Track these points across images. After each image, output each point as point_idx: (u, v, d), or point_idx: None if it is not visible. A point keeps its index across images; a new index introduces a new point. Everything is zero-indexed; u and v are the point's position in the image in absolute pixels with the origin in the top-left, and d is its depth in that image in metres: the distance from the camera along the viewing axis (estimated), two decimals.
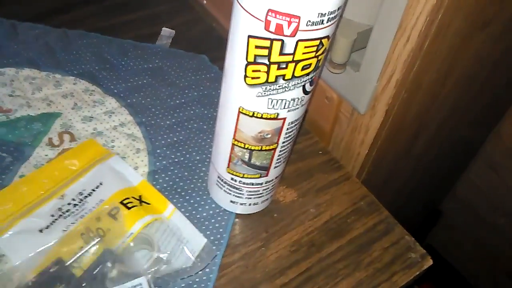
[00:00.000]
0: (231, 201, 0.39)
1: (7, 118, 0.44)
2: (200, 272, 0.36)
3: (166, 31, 0.57)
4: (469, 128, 0.65)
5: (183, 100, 0.49)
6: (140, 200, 0.38)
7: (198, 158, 0.44)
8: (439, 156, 0.65)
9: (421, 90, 0.44)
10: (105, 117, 0.45)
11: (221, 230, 0.39)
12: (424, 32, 0.37)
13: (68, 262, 0.33)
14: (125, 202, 0.37)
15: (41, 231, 0.35)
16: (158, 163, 0.43)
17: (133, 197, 0.38)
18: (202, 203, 0.40)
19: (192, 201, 0.40)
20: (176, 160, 0.43)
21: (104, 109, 0.46)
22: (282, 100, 0.30)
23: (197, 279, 0.35)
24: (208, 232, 0.38)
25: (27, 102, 0.45)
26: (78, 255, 0.33)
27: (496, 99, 0.64)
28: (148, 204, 0.38)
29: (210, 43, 0.57)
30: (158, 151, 0.44)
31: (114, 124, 0.45)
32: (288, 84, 0.29)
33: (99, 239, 0.34)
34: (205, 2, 0.63)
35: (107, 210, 0.37)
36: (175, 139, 0.45)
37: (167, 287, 0.34)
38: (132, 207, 0.37)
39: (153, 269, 0.34)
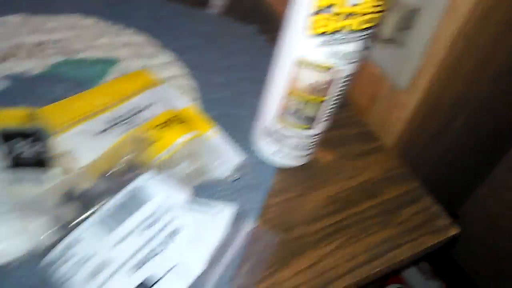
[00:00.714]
0: (275, 152, 0.42)
1: (71, 58, 0.47)
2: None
3: (218, 0, 0.60)
4: (498, 128, 0.67)
5: (232, 63, 0.52)
6: (186, 120, 0.42)
7: (244, 114, 0.47)
8: (466, 150, 0.67)
9: (460, 74, 0.46)
10: (162, 68, 0.48)
11: (264, 175, 0.42)
12: (469, 14, 0.39)
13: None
14: (173, 119, 0.41)
15: (98, 133, 0.39)
16: (208, 113, 0.46)
17: (179, 116, 0.42)
18: (248, 152, 0.43)
19: (239, 148, 0.43)
20: (225, 112, 0.46)
21: (161, 61, 0.49)
22: (342, 51, 0.33)
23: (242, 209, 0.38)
24: (252, 176, 0.41)
25: (90, 46, 0.49)
26: (128, 156, 0.37)
27: None
28: (193, 123, 0.42)
29: (258, 17, 0.60)
30: (209, 103, 0.47)
31: (169, 74, 0.48)
32: (349, 36, 0.32)
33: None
34: None
35: (156, 123, 0.40)
36: (224, 94, 0.48)
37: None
38: (180, 123, 0.41)
39: (193, 177, 0.37)
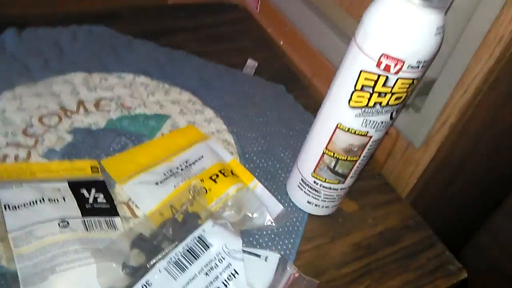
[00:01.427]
0: (308, 202, 0.48)
1: (128, 113, 0.54)
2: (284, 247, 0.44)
3: (251, 62, 0.68)
4: (497, 180, 0.74)
5: (265, 119, 0.59)
6: (232, 173, 0.48)
7: (278, 165, 0.53)
8: (468, 200, 0.73)
9: (467, 136, 0.53)
10: (205, 124, 0.55)
11: (297, 223, 0.48)
12: (478, 88, 0.46)
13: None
14: (221, 171, 0.47)
15: (156, 184, 0.45)
16: (247, 165, 0.52)
17: (226, 169, 0.48)
18: (282, 201, 0.49)
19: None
20: (261, 165, 0.53)
21: (204, 117, 0.56)
22: (374, 121, 0.40)
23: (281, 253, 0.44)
24: (287, 223, 0.47)
25: (143, 103, 0.55)
26: (186, 205, 0.42)
27: None
28: (238, 176, 0.48)
29: (287, 76, 0.68)
30: (246, 156, 0.53)
31: (212, 130, 0.55)
32: (382, 110, 0.39)
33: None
34: (281, 42, 0.74)
35: (208, 174, 0.47)
36: (259, 148, 0.55)
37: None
38: (227, 175, 0.47)
39: (239, 225, 0.43)
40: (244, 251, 0.39)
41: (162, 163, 0.48)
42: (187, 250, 0.37)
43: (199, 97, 0.59)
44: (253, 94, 0.62)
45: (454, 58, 0.47)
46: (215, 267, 0.36)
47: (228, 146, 0.53)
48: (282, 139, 0.57)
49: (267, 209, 0.45)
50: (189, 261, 0.36)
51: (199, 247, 0.37)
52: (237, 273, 0.36)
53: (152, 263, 0.36)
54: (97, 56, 0.60)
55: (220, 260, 0.37)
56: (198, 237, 0.37)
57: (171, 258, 0.36)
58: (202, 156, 0.49)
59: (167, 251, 0.38)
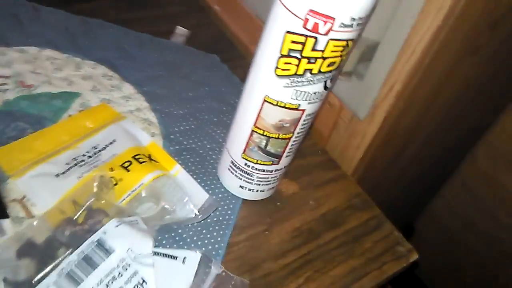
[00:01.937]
0: (241, 186, 0.42)
1: (28, 93, 0.46)
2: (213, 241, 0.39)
3: (181, 30, 0.60)
4: (448, 148, 0.71)
5: (195, 94, 0.52)
6: (150, 158, 0.41)
7: (208, 146, 0.47)
8: (419, 171, 0.70)
9: (415, 103, 0.49)
10: (122, 101, 0.48)
11: (229, 212, 0.42)
12: (426, 50, 0.41)
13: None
14: (136, 157, 0.40)
15: (57, 176, 0.38)
16: (171, 148, 0.45)
17: (143, 154, 0.41)
18: (212, 186, 0.43)
19: (203, 184, 0.43)
20: (188, 146, 0.46)
21: (121, 94, 0.49)
22: (305, 92, 0.34)
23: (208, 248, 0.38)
24: (217, 213, 0.41)
25: (48, 80, 0.47)
26: (91, 200, 0.36)
27: (475, 123, 0.70)
28: (157, 162, 0.41)
29: (221, 46, 0.61)
30: (171, 136, 0.47)
31: (130, 108, 0.48)
32: (313, 78, 0.33)
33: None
34: (216, 7, 0.66)
35: (119, 162, 0.40)
36: (187, 127, 0.48)
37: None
38: (143, 162, 0.40)
39: (157, 219, 0.37)
40: (156, 254, 0.33)
41: (65, 151, 0.41)
42: (83, 258, 0.30)
43: (117, 71, 0.51)
44: (181, 65, 0.55)
45: (398, 18, 0.42)
46: (118, 276, 0.30)
47: (149, 126, 0.46)
48: (214, 115, 0.51)
49: (190, 199, 0.39)
50: (85, 272, 0.29)
51: (98, 253, 0.30)
52: (146, 282, 0.30)
53: (39, 277, 0.29)
54: None
55: (124, 268, 0.30)
56: (97, 241, 0.31)
57: (62, 270, 0.29)
58: (114, 140, 0.42)
59: (63, 258, 0.31)
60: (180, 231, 0.39)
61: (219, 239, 0.39)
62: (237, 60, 0.59)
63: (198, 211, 0.39)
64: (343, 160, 0.53)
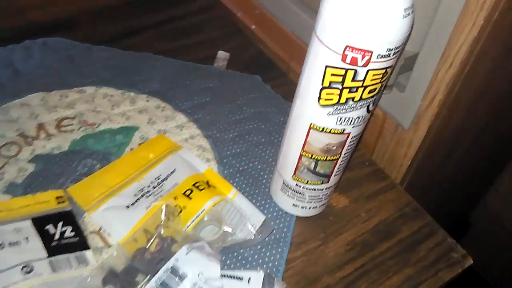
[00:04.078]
0: (294, 205, 0.44)
1: (93, 131, 0.50)
2: (272, 259, 0.41)
3: (222, 54, 0.63)
4: (499, 144, 0.70)
5: (242, 116, 0.55)
6: (208, 184, 0.45)
7: (259, 167, 0.50)
8: (471, 169, 0.70)
9: (459, 108, 0.49)
10: (177, 131, 0.52)
11: (285, 229, 0.44)
12: (465, 59, 0.42)
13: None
14: (196, 185, 0.44)
15: (127, 207, 0.42)
16: (225, 171, 0.48)
17: (202, 181, 0.45)
18: (267, 205, 0.46)
19: (258, 204, 0.46)
20: (241, 168, 0.49)
21: (175, 124, 0.52)
22: (349, 117, 0.36)
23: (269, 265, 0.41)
24: (273, 231, 0.44)
25: (108, 117, 0.52)
26: (160, 228, 0.39)
27: None
28: (215, 187, 0.44)
29: (261, 65, 0.63)
30: (224, 160, 0.50)
31: (185, 136, 0.51)
32: (355, 105, 0.35)
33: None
34: (253, 27, 0.69)
35: (182, 190, 0.43)
36: (238, 150, 0.51)
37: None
38: (202, 189, 0.43)
39: (220, 241, 0.40)
40: (224, 276, 0.36)
41: (132, 183, 0.44)
42: (160, 285, 0.34)
43: (168, 102, 0.55)
44: (226, 89, 0.58)
45: (435, 30, 0.43)
46: None
47: (203, 152, 0.50)
48: (262, 136, 0.53)
49: (249, 221, 0.42)
50: None
51: (173, 279, 0.34)
52: None
53: None
54: (55, 71, 0.56)
55: None
56: (171, 267, 0.34)
57: None
58: (175, 170, 0.46)
59: (143, 284, 0.35)
60: (241, 250, 0.42)
61: (278, 256, 0.42)
62: (278, 78, 0.62)
63: (257, 232, 0.42)
64: (391, 168, 0.54)
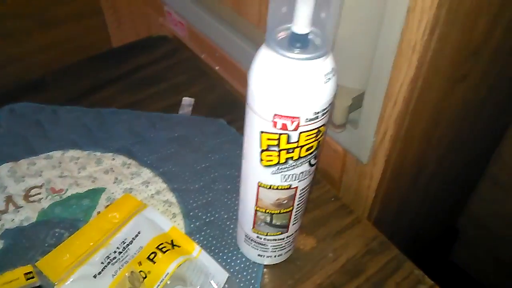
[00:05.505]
0: (259, 255, 0.45)
1: (60, 198, 0.51)
2: None
3: (187, 100, 0.64)
4: (469, 155, 0.71)
5: (207, 164, 0.56)
6: (172, 244, 0.45)
7: (226, 216, 0.50)
8: (444, 184, 0.70)
9: (414, 139, 0.50)
10: (143, 187, 0.52)
11: (252, 281, 0.45)
12: (407, 97, 0.43)
13: None
14: (160, 247, 0.44)
15: (94, 277, 0.43)
16: (192, 225, 0.49)
17: (166, 242, 0.45)
18: (234, 257, 0.47)
19: (225, 256, 0.47)
20: (207, 220, 0.50)
21: (141, 180, 0.53)
22: (293, 174, 0.36)
23: None
24: (242, 284, 0.44)
25: (75, 181, 0.53)
26: None
27: (492, 124, 0.69)
28: (179, 247, 0.45)
29: (227, 106, 0.64)
30: (191, 213, 0.50)
31: (151, 192, 0.52)
32: (296, 163, 0.35)
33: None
34: (217, 68, 0.70)
35: (146, 254, 0.44)
36: (204, 200, 0.52)
37: None
38: (166, 250, 0.44)
39: None
40: None
41: (99, 249, 0.45)
42: None
43: (134, 158, 0.56)
44: (191, 137, 0.59)
45: (376, 70, 0.44)
46: None
47: (169, 208, 0.51)
48: (227, 183, 0.54)
49: (213, 279, 0.43)
50: None
51: None
52: None
53: None
54: (22, 138, 0.57)
55: None
56: None
57: None
58: (139, 232, 0.46)
59: None
60: None
61: None
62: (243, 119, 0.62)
63: (224, 286, 0.42)
64: (358, 201, 0.55)
